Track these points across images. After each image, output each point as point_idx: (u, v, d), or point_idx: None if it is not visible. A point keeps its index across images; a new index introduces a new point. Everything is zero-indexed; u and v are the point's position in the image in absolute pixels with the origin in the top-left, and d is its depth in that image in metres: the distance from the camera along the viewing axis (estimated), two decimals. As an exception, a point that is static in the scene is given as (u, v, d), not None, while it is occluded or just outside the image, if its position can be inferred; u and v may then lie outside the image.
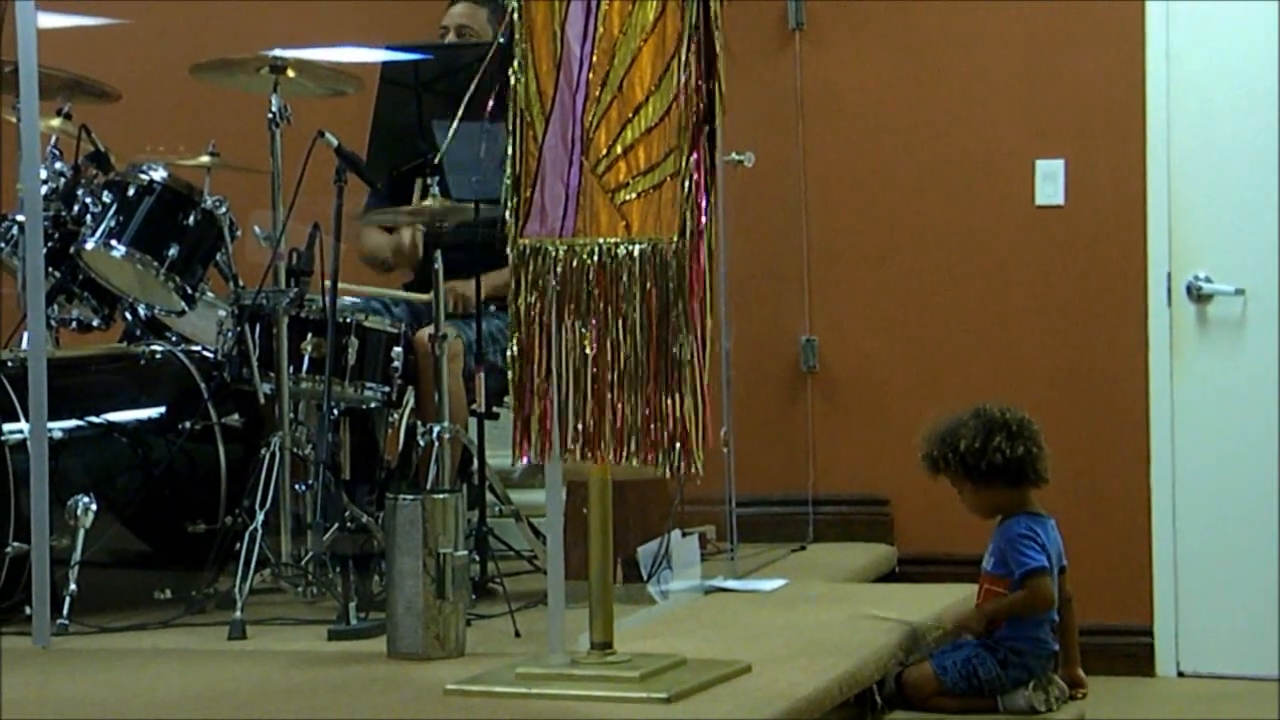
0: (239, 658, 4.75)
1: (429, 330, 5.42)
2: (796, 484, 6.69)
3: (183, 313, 5.57)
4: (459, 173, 5.23)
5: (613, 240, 4.10)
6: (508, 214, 4.20)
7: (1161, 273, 6.46)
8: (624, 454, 4.08)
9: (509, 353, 4.21)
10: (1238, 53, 6.40)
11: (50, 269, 5.43)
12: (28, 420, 4.99)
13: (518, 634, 4.78)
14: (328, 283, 5.24)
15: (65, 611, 5.01)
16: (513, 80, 4.19)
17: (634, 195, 4.09)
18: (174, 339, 5.73)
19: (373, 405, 5.52)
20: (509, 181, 4.20)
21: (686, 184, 4.00)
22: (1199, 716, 6.08)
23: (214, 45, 6.05)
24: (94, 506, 5.17)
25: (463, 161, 5.22)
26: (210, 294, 5.58)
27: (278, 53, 5.51)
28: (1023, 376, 6.50)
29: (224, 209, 5.52)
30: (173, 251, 5.42)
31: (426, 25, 6.10)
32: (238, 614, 4.94)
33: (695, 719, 4.05)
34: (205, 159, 5.63)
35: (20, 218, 5.42)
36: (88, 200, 5.50)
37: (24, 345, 5.36)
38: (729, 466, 5.84)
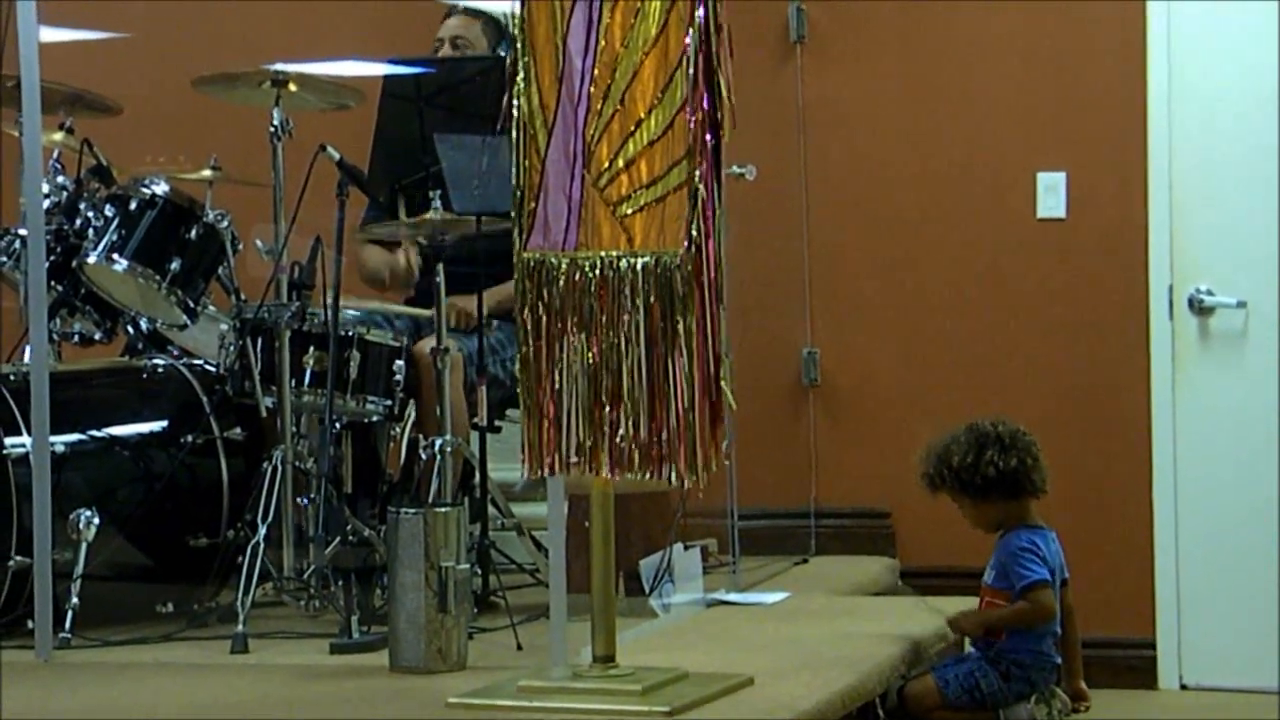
0: (241, 671, 4.74)
1: (428, 343, 5.42)
2: (798, 497, 6.69)
3: (185, 326, 5.56)
4: (460, 186, 5.24)
5: (615, 253, 4.11)
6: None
7: (1163, 285, 6.46)
8: (624, 468, 4.08)
9: (516, 366, 4.21)
10: (1239, 65, 6.40)
11: (52, 283, 5.43)
12: (30, 434, 4.99)
13: (520, 647, 4.78)
14: (329, 296, 5.24)
15: (67, 625, 5.01)
16: (516, 94, 4.20)
17: (636, 208, 4.09)
18: (176, 353, 5.73)
19: (374, 419, 5.52)
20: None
21: (693, 197, 4.00)
22: (1201, 729, 6.09)
23: (216, 59, 6.05)
24: (96, 520, 5.17)
25: (464, 174, 5.23)
26: (212, 308, 5.57)
27: (279, 66, 5.51)
28: (1024, 389, 6.50)
29: (226, 223, 5.52)
30: (175, 265, 5.43)
31: (427, 38, 6.11)
32: (240, 627, 4.94)
33: (697, 732, 4.05)
34: (207, 173, 5.63)
35: (22, 231, 5.43)
36: (90, 214, 5.51)
37: (26, 359, 5.36)
38: (731, 479, 5.84)
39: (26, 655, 4.89)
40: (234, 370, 5.36)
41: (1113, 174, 6.53)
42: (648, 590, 5.24)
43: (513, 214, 4.22)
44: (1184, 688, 6.41)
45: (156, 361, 5.65)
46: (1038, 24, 6.60)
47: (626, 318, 4.07)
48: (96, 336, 5.70)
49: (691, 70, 3.99)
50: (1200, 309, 6.44)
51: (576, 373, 4.12)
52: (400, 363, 5.45)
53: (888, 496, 6.58)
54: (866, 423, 6.71)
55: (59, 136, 5.72)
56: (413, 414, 5.66)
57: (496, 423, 5.61)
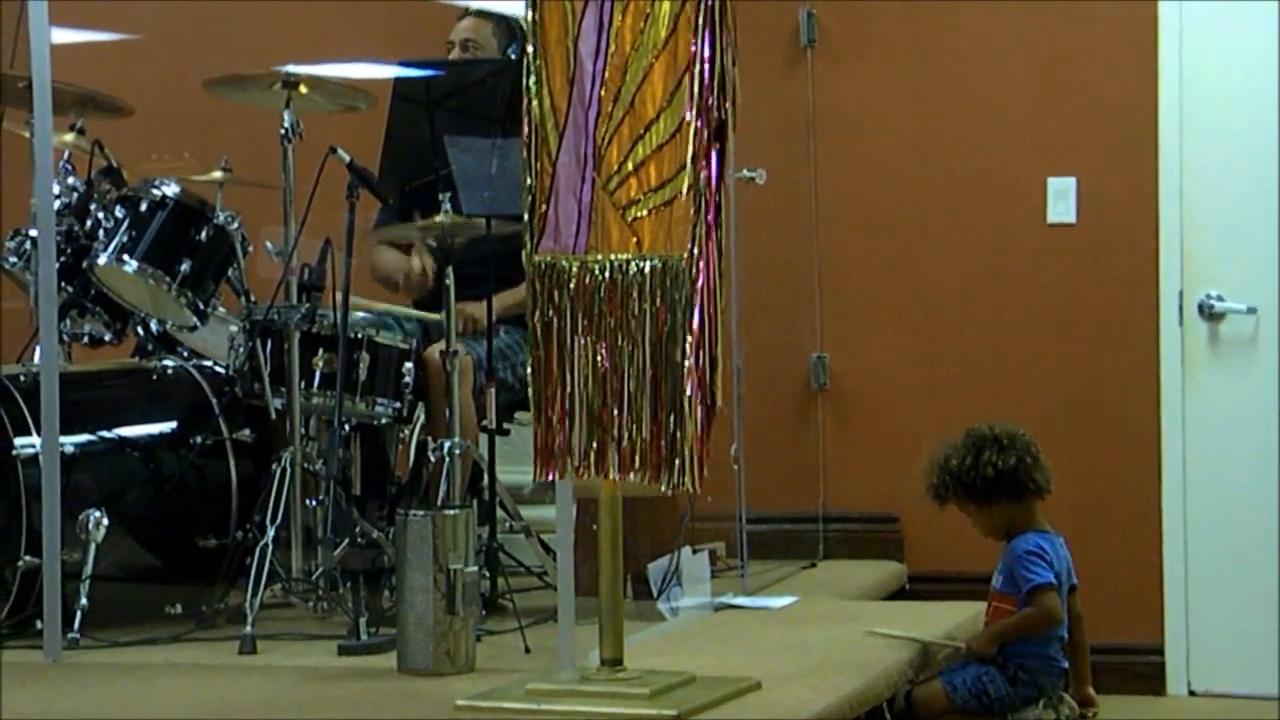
0: (249, 673, 4.75)
1: (438, 346, 5.42)
2: (807, 501, 6.69)
3: (195, 328, 5.57)
4: (470, 188, 5.24)
5: (624, 256, 4.11)
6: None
7: (1173, 291, 6.45)
8: (630, 471, 4.09)
9: (529, 369, 4.22)
10: (1250, 71, 6.39)
11: (63, 284, 5.44)
12: (40, 434, 5.00)
13: (528, 650, 4.78)
14: (339, 298, 5.24)
15: (76, 625, 5.02)
16: (528, 97, 4.20)
17: (645, 212, 4.09)
18: (186, 354, 5.73)
19: (384, 421, 5.52)
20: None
21: (699, 201, 4.00)
22: (1210, 735, 6.09)
23: (227, 61, 6.06)
24: (105, 521, 5.18)
25: (475, 177, 5.23)
26: (222, 309, 5.58)
27: (290, 68, 5.52)
28: (1034, 394, 6.49)
29: (236, 224, 5.53)
30: (185, 267, 5.43)
31: (438, 41, 6.11)
32: (248, 629, 4.94)
33: (705, 736, 4.06)
34: (218, 174, 5.64)
35: (33, 232, 5.43)
36: (100, 215, 5.51)
37: (36, 360, 5.37)
38: (739, 483, 5.84)
39: (35, 655, 4.90)
40: (243, 372, 5.36)
41: (1123, 179, 6.52)
42: (656, 594, 5.25)
43: (524, 217, 4.22)
44: (1192, 694, 6.41)
45: (166, 363, 5.66)
46: (1048, 29, 6.59)
47: (634, 321, 4.08)
48: (106, 338, 5.70)
49: (698, 73, 3.99)
50: (1210, 314, 6.43)
51: (586, 376, 4.13)
52: (409, 365, 5.45)
53: (896, 501, 6.57)
54: (875, 427, 6.70)
55: (70, 137, 5.73)
56: (421, 416, 5.66)
57: (505, 426, 5.61)
